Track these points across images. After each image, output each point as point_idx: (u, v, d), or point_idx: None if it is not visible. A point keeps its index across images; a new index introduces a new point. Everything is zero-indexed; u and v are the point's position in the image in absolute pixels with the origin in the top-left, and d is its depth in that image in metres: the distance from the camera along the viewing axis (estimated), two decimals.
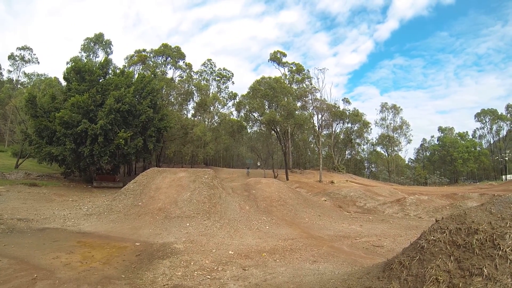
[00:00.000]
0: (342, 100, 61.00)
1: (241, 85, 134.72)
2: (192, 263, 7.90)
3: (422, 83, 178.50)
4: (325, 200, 22.35)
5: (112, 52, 54.00)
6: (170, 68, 55.00)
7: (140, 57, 51.32)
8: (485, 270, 3.20)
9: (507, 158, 69.24)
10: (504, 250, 3.23)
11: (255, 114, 44.19)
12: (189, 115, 56.97)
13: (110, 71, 35.69)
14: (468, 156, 67.59)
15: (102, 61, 36.25)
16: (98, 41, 52.71)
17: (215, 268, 7.65)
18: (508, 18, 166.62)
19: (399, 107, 70.45)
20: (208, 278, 6.93)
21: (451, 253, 3.65)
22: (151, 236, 10.78)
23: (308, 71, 56.51)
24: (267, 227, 13.27)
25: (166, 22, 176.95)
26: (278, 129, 44.12)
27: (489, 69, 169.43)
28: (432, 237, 4.04)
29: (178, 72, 55.90)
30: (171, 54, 53.37)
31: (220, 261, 8.23)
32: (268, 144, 46.00)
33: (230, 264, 8.02)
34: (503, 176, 63.93)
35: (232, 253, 9.13)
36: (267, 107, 43.62)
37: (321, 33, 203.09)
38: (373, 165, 76.36)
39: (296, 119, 42.18)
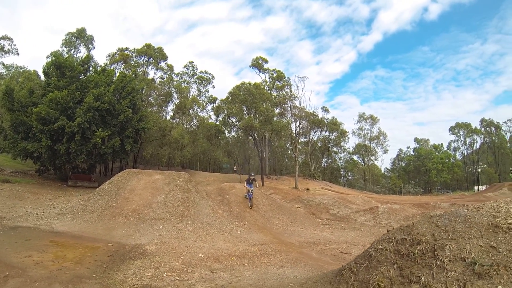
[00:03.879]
0: (321, 108, 62.31)
1: (223, 88, 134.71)
2: (162, 265, 8.10)
3: (402, 95, 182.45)
4: (299, 207, 22.60)
5: (94, 48, 53.45)
6: (151, 68, 54.80)
7: (122, 56, 50.95)
8: (423, 278, 3.49)
9: (479, 170, 71.74)
10: (442, 260, 3.50)
11: (233, 119, 44.36)
12: (168, 117, 56.77)
13: (91, 68, 35.31)
14: (442, 167, 69.93)
15: (83, 57, 35.93)
16: (80, 36, 51.89)
17: (185, 270, 7.87)
18: (487, 37, 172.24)
19: (376, 117, 72.84)
20: (177, 279, 7.15)
21: (395, 261, 3.96)
22: (124, 237, 10.90)
23: (289, 79, 57.33)
24: (239, 232, 13.52)
25: (152, 20, 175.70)
26: (255, 135, 44.26)
27: (467, 85, 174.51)
28: (380, 246, 4.38)
29: (159, 73, 55.80)
30: (153, 54, 53.23)
31: (190, 263, 8.44)
32: (245, 150, 46.12)
33: (200, 266, 8.24)
34: (476, 187, 66.05)
35: (202, 256, 9.35)
36: (245, 112, 43.87)
37: (306, 41, 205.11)
38: (349, 174, 77.62)
39: (273, 126, 42.51)
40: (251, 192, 17.09)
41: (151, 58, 53.42)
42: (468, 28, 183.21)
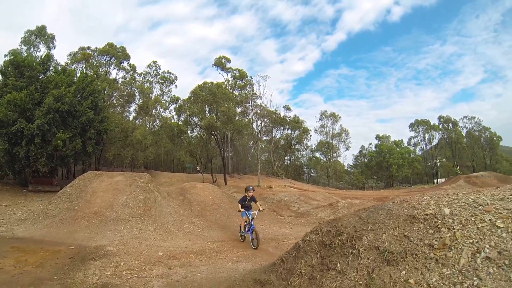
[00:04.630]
0: (283, 107, 62.41)
1: (188, 87, 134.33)
2: (122, 264, 8.42)
3: (365, 93, 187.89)
4: (260, 204, 23.03)
5: (54, 47, 51.54)
6: (114, 68, 53.82)
7: (83, 55, 49.71)
8: (339, 266, 3.87)
9: (438, 164, 75.16)
10: (358, 249, 3.86)
11: (195, 119, 44.49)
12: (131, 118, 56.13)
13: (51, 68, 34.16)
14: (402, 162, 72.70)
15: (43, 56, 34.58)
16: (40, 35, 49.96)
17: (143, 267, 8.24)
18: (446, 39, 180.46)
19: (338, 115, 74.79)
20: (135, 276, 7.53)
21: (318, 251, 4.39)
22: (86, 240, 11.12)
23: (251, 78, 57.76)
24: (199, 230, 13.96)
25: (115, 18, 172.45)
26: (217, 134, 44.52)
27: (427, 83, 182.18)
28: (307, 238, 4.84)
29: (121, 73, 54.93)
30: (116, 54, 52.31)
31: (149, 261, 8.81)
32: (207, 149, 46.20)
33: (158, 264, 8.63)
34: (435, 180, 68.98)
35: (162, 254, 9.72)
36: (207, 112, 44.09)
37: (271, 39, 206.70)
38: (312, 171, 78.95)
39: (235, 125, 42.78)
40: (252, 221, 11.52)
41: (114, 58, 52.49)
42: (429, 30, 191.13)
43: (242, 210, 11.62)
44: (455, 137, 77.15)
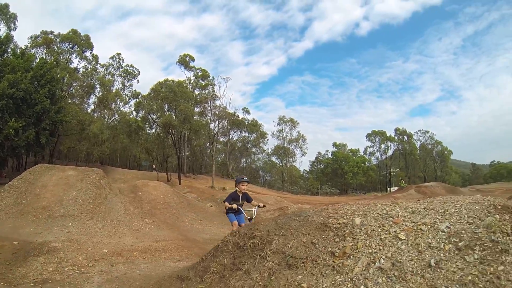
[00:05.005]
0: (242, 109, 63.12)
1: (150, 82, 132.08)
2: (65, 260, 8.53)
3: (326, 101, 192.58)
4: (211, 206, 23.56)
5: (16, 28, 47.99)
6: (76, 57, 52.55)
7: (45, 40, 48.58)
8: (246, 266, 4.11)
9: (392, 173, 78.38)
10: (266, 252, 4.06)
11: (154, 116, 44.33)
12: (89, 110, 54.85)
13: (9, 50, 33.34)
14: (357, 170, 75.55)
15: (2, 37, 33.45)
16: (2, 13, 46.62)
17: (86, 264, 8.41)
18: (409, 56, 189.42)
19: (296, 121, 76.49)
20: (77, 272, 7.73)
21: (233, 252, 4.66)
22: (31, 235, 11.08)
23: (213, 78, 57.80)
24: (147, 229, 14.11)
25: (84, 3, 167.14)
26: (174, 133, 44.55)
27: (387, 97, 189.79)
28: (226, 239, 5.17)
29: (83, 63, 53.70)
30: (79, 42, 51.25)
31: (93, 258, 8.97)
32: (164, 147, 45.96)
33: (101, 261, 8.81)
34: (388, 189, 71.89)
35: (106, 251, 9.87)
36: (167, 110, 44.04)
37: (238, 41, 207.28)
38: (268, 174, 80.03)
39: (192, 125, 43.18)
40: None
41: (76, 46, 51.32)
42: (393, 47, 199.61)
43: (234, 206, 7.78)
44: (409, 149, 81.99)
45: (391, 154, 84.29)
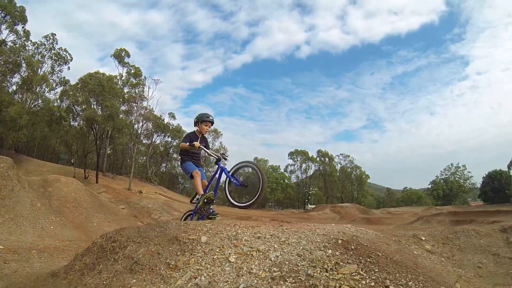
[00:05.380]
0: (169, 114, 63.22)
1: (81, 70, 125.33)
2: None
3: (256, 115, 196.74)
4: (123, 208, 23.39)
5: None
6: (6, 28, 48.06)
7: None
8: (100, 266, 4.39)
9: (311, 192, 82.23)
10: (119, 256, 4.32)
11: (78, 108, 43.00)
12: (10, 90, 50.51)
13: None
14: (276, 186, 77.82)
15: None
16: None
17: None
18: (342, 85, 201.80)
19: (220, 132, 77.68)
20: None
21: (96, 252, 4.93)
22: None
23: (145, 78, 56.70)
24: (52, 227, 13.59)
25: None
26: (97, 129, 43.37)
27: (316, 119, 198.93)
28: (95, 241, 5.47)
29: (12, 37, 49.23)
30: (12, 12, 47.28)
31: None
32: (85, 143, 44.43)
33: None
34: (306, 206, 75.28)
35: (2, 247, 9.47)
36: (94, 104, 43.01)
37: (180, 44, 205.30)
38: (187, 182, 79.22)
39: (116, 123, 42.37)
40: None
41: (8, 16, 47.21)
42: (328, 74, 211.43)
43: (197, 144, 5.93)
44: (329, 170, 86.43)
45: (311, 173, 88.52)
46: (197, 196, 5.97)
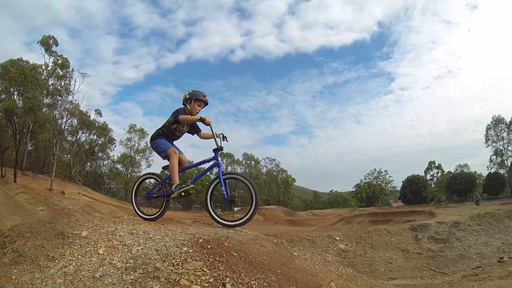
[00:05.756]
0: (95, 110, 60.48)
1: (5, 55, 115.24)
2: None
3: None
4: (42, 210, 22.05)
5: None
6: None
7: None
8: None
9: (236, 195, 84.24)
10: (8, 249, 4.21)
11: None
12: None
13: None
14: (202, 188, 77.91)
15: None
16: None
17: None
18: (272, 90, 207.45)
19: (146, 131, 75.31)
20: None
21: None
22: None
23: (73, 70, 53.12)
24: None
25: None
26: (16, 122, 40.07)
27: (244, 122, 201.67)
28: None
29: None
30: None
31: None
32: (2, 137, 41.52)
33: None
34: (233, 208, 76.44)
35: None
36: (15, 94, 40.55)
37: (114, 36, 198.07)
38: (112, 183, 77.87)
39: (38, 116, 39.57)
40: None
41: None
42: (260, 79, 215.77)
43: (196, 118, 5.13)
44: (255, 173, 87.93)
45: None
46: (173, 186, 5.03)
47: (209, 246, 3.54)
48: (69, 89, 51.53)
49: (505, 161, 72.99)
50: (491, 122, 74.60)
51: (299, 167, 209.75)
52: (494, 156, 74.45)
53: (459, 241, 15.19)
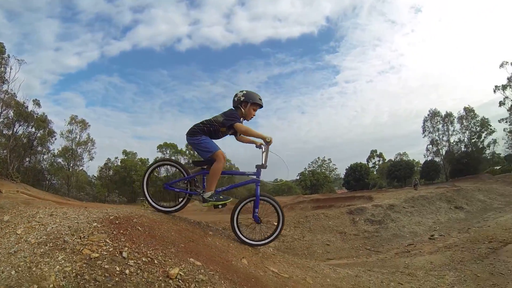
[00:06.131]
0: (33, 101, 56.30)
1: None
2: None
3: (129, 107, 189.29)
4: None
5: None
6: None
7: None
8: None
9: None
10: None
11: None
12: None
13: None
14: None
15: None
16: None
17: None
18: (217, 80, 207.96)
19: (87, 123, 72.44)
20: None
21: None
22: None
23: (8, 56, 49.20)
24: None
25: None
26: None
27: (188, 112, 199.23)
28: None
29: None
30: None
31: None
32: None
33: None
34: (178, 199, 75.90)
35: None
36: None
37: (56, 20, 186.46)
38: (53, 178, 73.50)
39: None
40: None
41: None
42: (206, 69, 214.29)
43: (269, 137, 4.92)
44: None
45: None
46: (207, 194, 4.74)
47: (117, 222, 3.73)
48: (4, 77, 47.99)
49: (440, 150, 78.90)
50: (428, 115, 79.81)
51: (244, 156, 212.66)
52: (431, 146, 79.87)
53: (393, 222, 16.30)
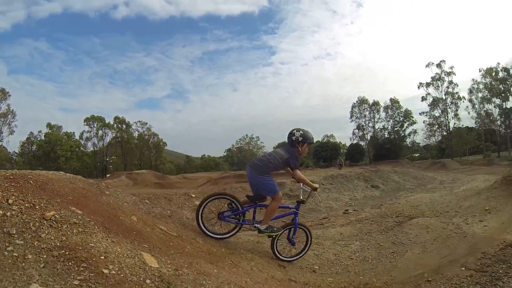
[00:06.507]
0: None
1: None
2: None
3: (56, 76, 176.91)
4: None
5: None
6: None
7: None
8: None
9: (108, 160, 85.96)
10: None
11: None
12: None
13: None
14: (71, 155, 73.38)
15: None
16: None
17: None
18: (152, 53, 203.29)
19: (7, 92, 68.05)
20: None
21: None
22: None
23: None
24: None
25: None
26: None
27: (120, 85, 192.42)
28: None
29: None
30: None
31: None
32: None
33: None
34: (104, 175, 73.90)
35: None
36: None
37: None
38: None
39: None
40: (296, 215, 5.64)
41: None
42: (140, 40, 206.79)
43: (316, 186, 5.64)
44: (127, 137, 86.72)
45: (109, 141, 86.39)
46: (263, 227, 5.28)
47: (11, 177, 3.76)
48: None
49: (366, 135, 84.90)
50: (356, 101, 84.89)
51: (173, 132, 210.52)
52: (357, 130, 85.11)
53: (311, 197, 18.25)
